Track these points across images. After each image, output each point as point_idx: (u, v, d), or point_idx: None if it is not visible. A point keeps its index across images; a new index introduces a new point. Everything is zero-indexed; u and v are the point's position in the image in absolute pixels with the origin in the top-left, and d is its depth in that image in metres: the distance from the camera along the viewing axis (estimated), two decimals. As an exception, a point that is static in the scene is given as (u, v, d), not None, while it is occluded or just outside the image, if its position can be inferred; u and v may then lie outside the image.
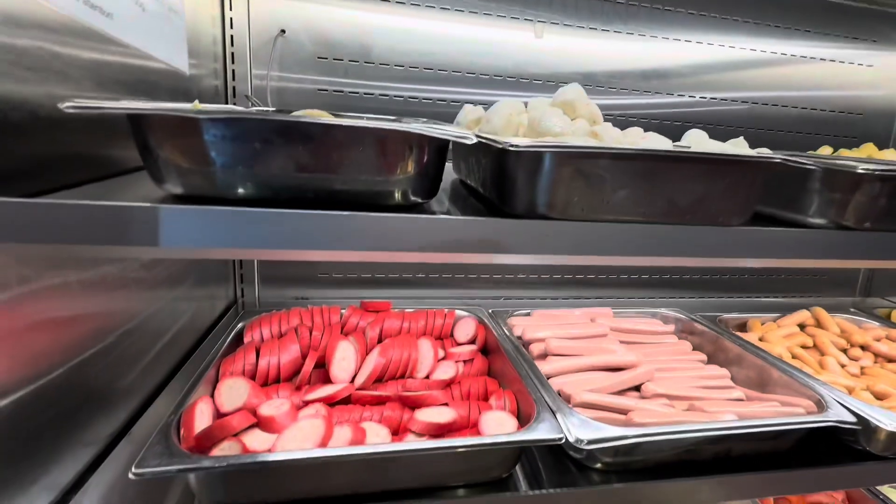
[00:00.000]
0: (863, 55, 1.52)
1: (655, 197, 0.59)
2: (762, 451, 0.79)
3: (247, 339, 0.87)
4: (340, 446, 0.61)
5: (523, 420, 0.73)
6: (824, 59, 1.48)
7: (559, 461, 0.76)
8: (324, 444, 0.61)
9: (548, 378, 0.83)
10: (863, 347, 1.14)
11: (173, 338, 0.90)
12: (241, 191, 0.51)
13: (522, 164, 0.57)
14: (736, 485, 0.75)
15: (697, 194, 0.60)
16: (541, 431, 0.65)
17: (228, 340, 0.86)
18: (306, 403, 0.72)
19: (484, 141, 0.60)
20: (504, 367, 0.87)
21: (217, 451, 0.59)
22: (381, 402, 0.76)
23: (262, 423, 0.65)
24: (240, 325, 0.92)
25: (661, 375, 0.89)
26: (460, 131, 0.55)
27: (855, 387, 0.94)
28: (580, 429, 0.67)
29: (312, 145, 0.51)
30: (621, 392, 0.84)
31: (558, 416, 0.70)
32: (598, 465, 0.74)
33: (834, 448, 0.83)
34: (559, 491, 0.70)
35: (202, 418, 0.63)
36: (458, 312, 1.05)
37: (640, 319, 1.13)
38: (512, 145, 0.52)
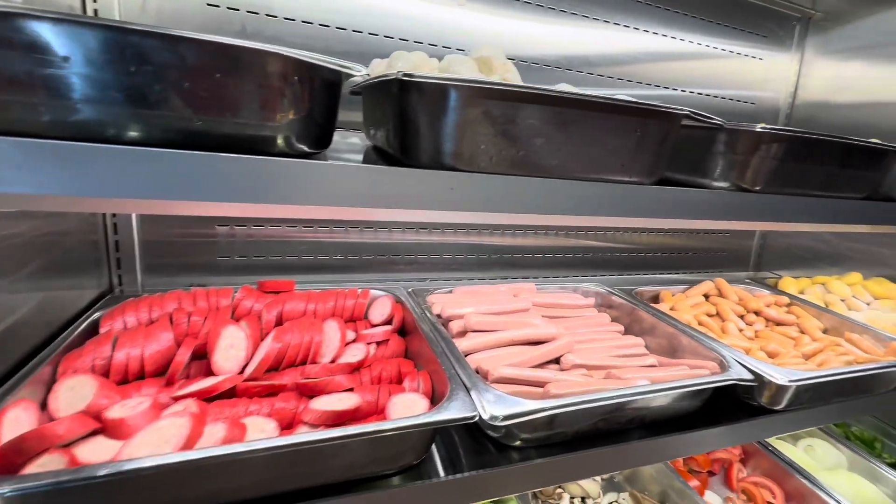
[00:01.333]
0: (755, 50, 1.66)
1: (569, 148, 0.54)
2: (673, 414, 0.81)
3: (103, 330, 0.71)
4: (211, 446, 0.50)
5: (438, 401, 0.66)
6: (724, 51, 1.59)
7: (478, 441, 0.71)
8: (188, 446, 0.50)
9: (466, 355, 0.77)
10: (756, 313, 1.23)
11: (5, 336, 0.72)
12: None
13: (421, 102, 0.49)
14: (651, 448, 0.75)
15: (612, 147, 0.57)
16: (451, 411, 0.59)
17: (78, 332, 0.70)
18: (176, 400, 0.60)
19: (377, 78, 0.52)
20: (421, 346, 0.80)
21: (31, 468, 0.45)
22: (273, 392, 0.65)
23: (109, 428, 0.52)
24: (97, 315, 0.75)
25: (581, 347, 0.88)
26: (345, 62, 0.46)
27: (751, 348, 1.00)
28: (495, 405, 0.62)
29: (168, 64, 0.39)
30: (541, 365, 0.81)
31: (473, 393, 0.64)
32: (518, 443, 0.70)
33: (732, 407, 0.87)
34: (476, 473, 0.65)
35: (15, 427, 0.48)
36: (373, 292, 0.97)
37: (562, 294, 1.12)
38: (406, 74, 0.45)
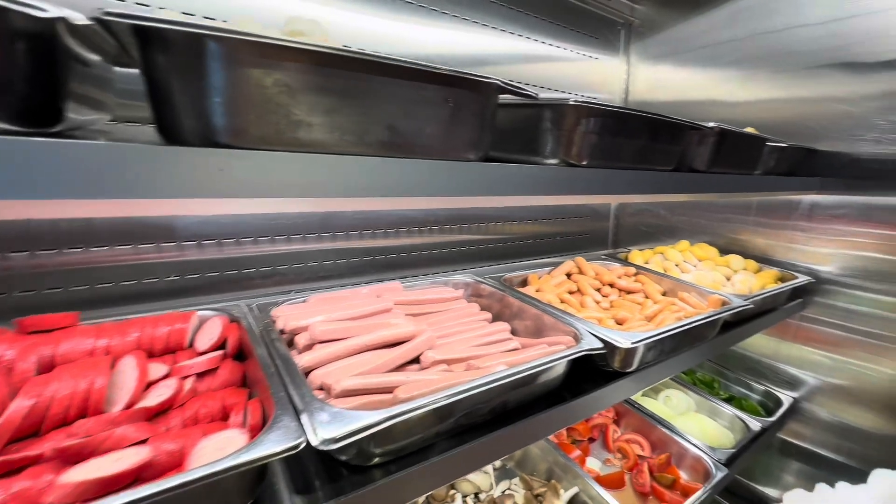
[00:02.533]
0: (595, 53, 1.84)
1: (369, 119, 0.48)
2: (539, 393, 0.80)
3: None
4: None
5: (267, 432, 0.55)
6: (573, 53, 1.73)
7: (333, 468, 0.62)
8: None
9: (310, 371, 0.67)
10: (611, 285, 1.34)
11: None
12: None
13: (170, 58, 0.38)
14: (515, 435, 0.73)
15: (422, 118, 0.51)
16: (266, 445, 0.48)
17: None
18: None
19: (105, 19, 0.39)
20: (256, 371, 0.68)
21: None
22: (25, 466, 0.47)
23: None
24: None
25: (444, 341, 0.84)
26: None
27: (603, 318, 1.06)
28: (329, 426, 0.53)
29: None
30: (401, 367, 0.75)
31: (304, 416, 0.54)
32: (377, 460, 0.62)
33: (595, 375, 0.91)
34: (323, 507, 0.55)
35: None
36: (202, 314, 0.81)
37: (429, 289, 1.08)
38: (144, 18, 0.33)
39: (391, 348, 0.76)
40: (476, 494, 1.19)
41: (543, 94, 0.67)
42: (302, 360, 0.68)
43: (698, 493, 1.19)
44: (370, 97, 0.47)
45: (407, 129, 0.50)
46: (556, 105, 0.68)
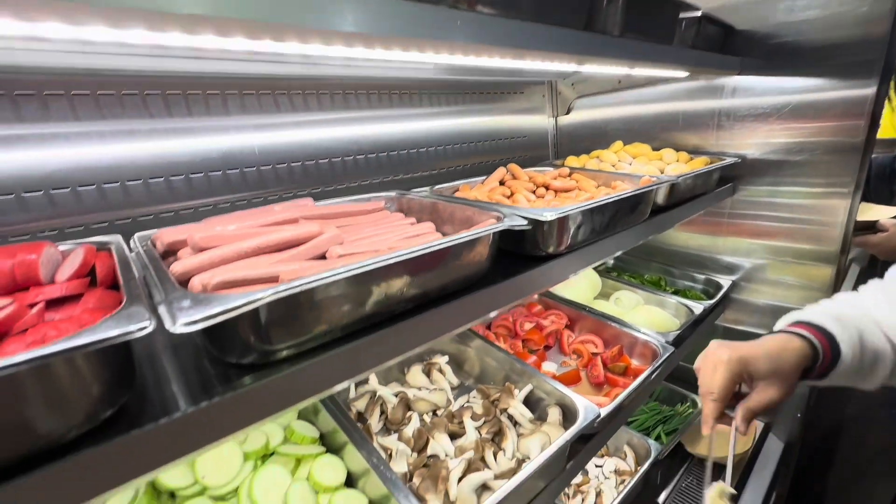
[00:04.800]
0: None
1: None
2: (460, 280, 0.75)
3: None
4: None
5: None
6: None
7: (226, 372, 0.54)
8: None
9: (182, 277, 0.58)
10: (546, 187, 1.30)
11: None
12: None
13: None
14: (434, 320, 0.68)
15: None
16: (101, 330, 0.39)
17: None
18: None
19: None
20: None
21: None
22: None
23: None
24: None
25: (358, 240, 0.76)
26: None
27: (535, 205, 1.02)
28: (192, 310, 0.44)
29: None
30: (304, 269, 0.67)
31: (162, 306, 0.46)
32: (271, 357, 0.55)
33: (525, 265, 0.87)
34: (208, 404, 0.48)
35: None
36: (64, 248, 0.69)
37: (348, 204, 0.99)
38: None
39: (290, 249, 0.67)
40: (434, 412, 1.16)
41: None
42: (176, 267, 0.59)
43: (647, 371, 1.22)
44: None
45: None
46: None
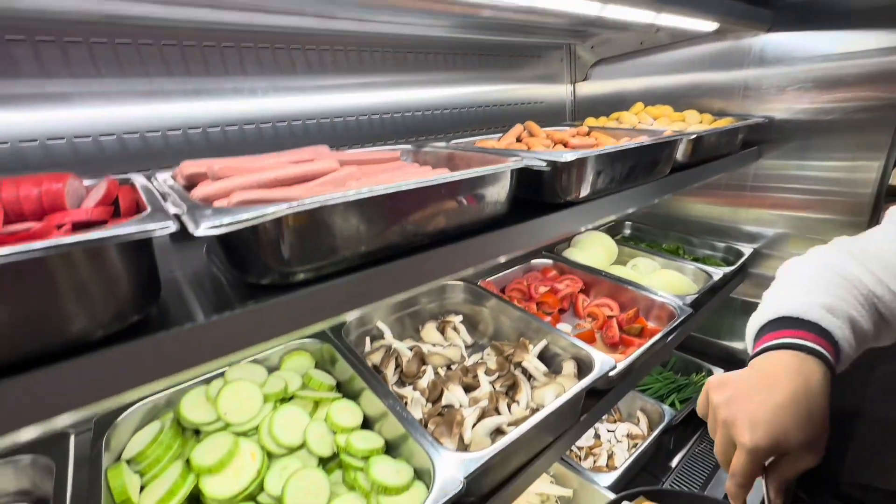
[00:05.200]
0: None
1: None
2: (476, 219, 0.74)
3: None
4: None
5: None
6: None
7: (246, 290, 0.55)
8: None
9: (203, 201, 0.58)
10: (564, 144, 1.27)
11: None
12: None
13: None
14: (449, 255, 0.67)
15: None
16: (126, 226, 0.40)
17: None
18: None
19: None
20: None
21: None
22: None
23: None
24: None
25: (376, 178, 0.76)
26: None
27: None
28: (214, 218, 0.45)
29: None
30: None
31: (185, 216, 0.47)
32: (299, 277, 0.56)
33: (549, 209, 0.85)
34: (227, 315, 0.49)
35: None
36: (88, 182, 0.70)
37: (365, 152, 0.98)
38: None
39: (307, 182, 0.67)
40: (448, 367, 1.18)
41: None
42: (197, 192, 0.59)
43: (666, 329, 1.20)
44: None
45: None
46: None
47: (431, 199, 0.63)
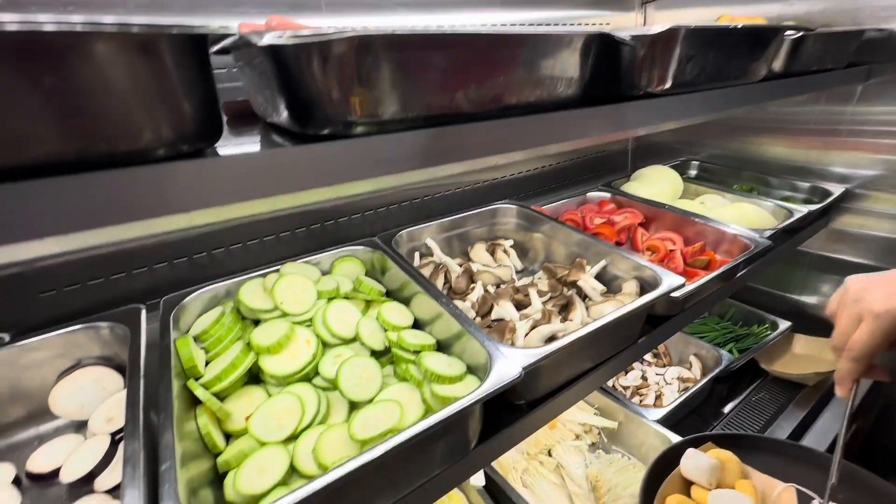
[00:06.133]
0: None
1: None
2: (556, 93, 0.67)
3: None
4: None
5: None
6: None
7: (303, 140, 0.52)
8: None
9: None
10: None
11: None
12: None
13: None
14: (517, 127, 0.61)
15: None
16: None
17: None
18: None
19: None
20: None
21: None
22: None
23: None
24: None
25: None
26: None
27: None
28: (277, 38, 0.41)
29: None
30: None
31: (248, 35, 0.43)
32: (359, 129, 0.52)
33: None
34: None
35: None
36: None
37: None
38: None
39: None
40: (497, 285, 1.14)
41: None
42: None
43: (740, 258, 1.10)
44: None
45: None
46: None
47: (505, 53, 0.56)
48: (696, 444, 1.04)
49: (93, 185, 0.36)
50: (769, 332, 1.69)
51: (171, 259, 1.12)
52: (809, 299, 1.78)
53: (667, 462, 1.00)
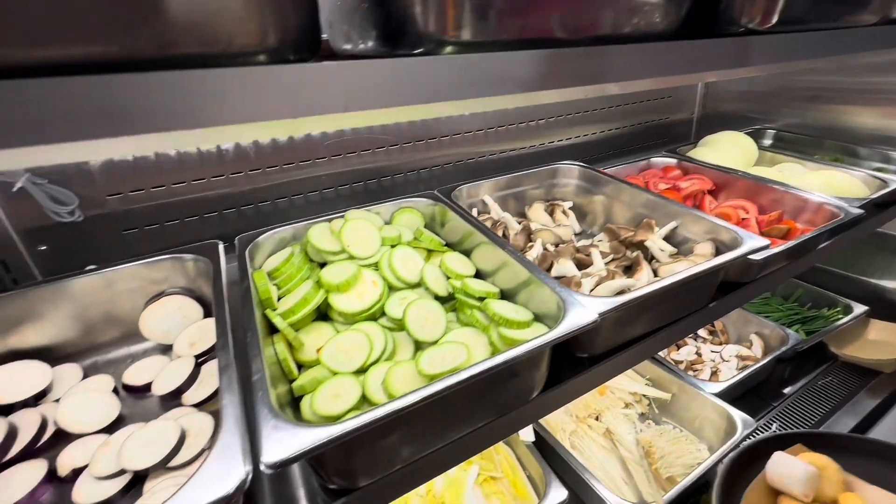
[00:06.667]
0: None
1: None
2: (652, 23, 0.62)
3: None
4: None
5: None
6: None
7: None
8: None
9: None
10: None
11: None
12: None
13: None
14: (619, 56, 0.58)
15: None
16: None
17: None
18: None
19: None
20: None
21: None
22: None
23: None
24: None
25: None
26: None
27: None
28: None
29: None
30: None
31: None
32: (449, 46, 0.50)
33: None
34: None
35: None
36: None
37: None
38: None
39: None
40: (556, 244, 1.11)
41: None
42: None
43: (827, 226, 1.01)
44: None
45: None
46: None
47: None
48: (782, 444, 0.91)
49: (215, 81, 0.37)
50: (841, 316, 1.57)
51: (239, 206, 1.17)
52: (890, 283, 1.63)
53: (743, 462, 0.89)
